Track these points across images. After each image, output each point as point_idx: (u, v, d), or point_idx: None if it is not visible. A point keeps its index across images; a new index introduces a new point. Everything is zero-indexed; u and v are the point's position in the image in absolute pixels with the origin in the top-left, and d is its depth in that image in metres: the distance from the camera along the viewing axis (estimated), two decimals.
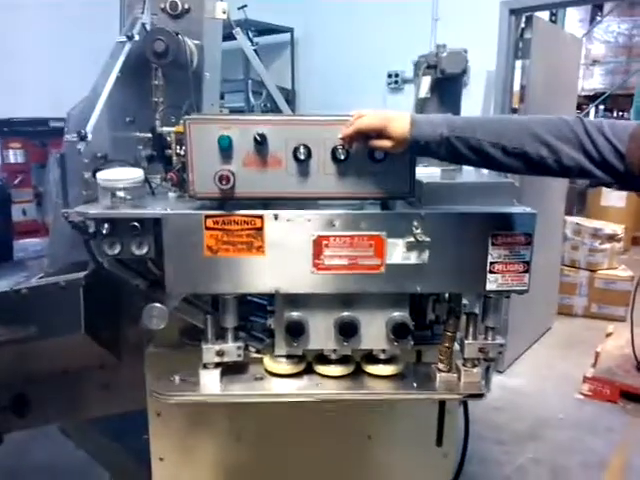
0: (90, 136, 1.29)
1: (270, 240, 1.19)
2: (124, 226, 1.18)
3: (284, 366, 1.32)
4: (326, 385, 1.29)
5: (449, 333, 1.31)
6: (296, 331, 1.24)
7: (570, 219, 4.85)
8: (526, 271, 1.22)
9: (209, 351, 1.27)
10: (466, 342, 1.30)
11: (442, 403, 1.49)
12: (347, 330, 1.24)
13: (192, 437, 1.70)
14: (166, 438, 1.70)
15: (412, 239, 1.17)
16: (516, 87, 3.19)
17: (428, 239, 1.17)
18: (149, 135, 1.51)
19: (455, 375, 1.32)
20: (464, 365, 1.32)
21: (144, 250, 1.20)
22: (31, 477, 2.43)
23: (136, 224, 1.17)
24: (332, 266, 1.20)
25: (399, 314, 1.26)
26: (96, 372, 1.87)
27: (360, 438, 1.74)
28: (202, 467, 1.73)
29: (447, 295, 1.45)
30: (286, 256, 1.20)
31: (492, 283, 1.21)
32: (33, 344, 1.64)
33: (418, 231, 1.17)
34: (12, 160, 3.44)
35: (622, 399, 3.15)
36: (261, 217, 1.18)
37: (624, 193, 6.35)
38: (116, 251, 1.20)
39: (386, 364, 1.33)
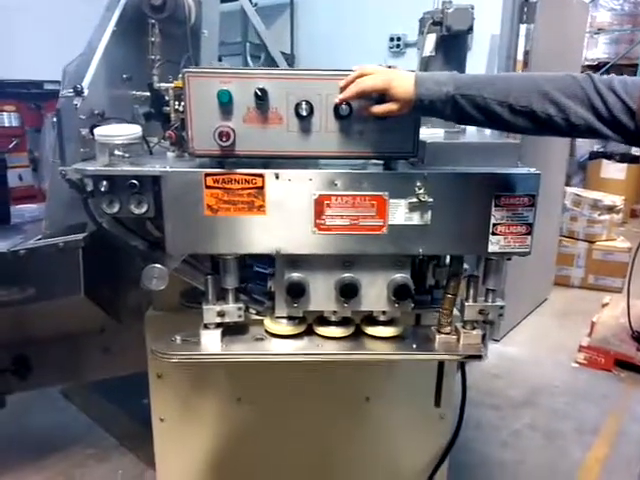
0: (86, 91, 1.26)
1: (271, 200, 1.17)
2: (123, 184, 1.16)
3: (285, 327, 1.32)
4: (326, 346, 1.29)
5: (449, 295, 1.31)
6: (297, 292, 1.23)
7: (570, 190, 4.82)
8: (528, 233, 1.21)
9: (210, 311, 1.27)
10: (466, 304, 1.30)
11: (441, 364, 1.50)
12: (348, 291, 1.23)
13: (192, 398, 1.71)
14: (167, 399, 1.72)
15: (415, 200, 1.16)
16: (520, 54, 3.12)
17: (431, 200, 1.15)
18: (146, 94, 1.48)
19: (454, 337, 1.33)
20: (463, 327, 1.33)
21: (143, 209, 1.19)
22: (34, 441, 2.46)
23: (135, 182, 1.15)
24: (333, 227, 1.19)
25: (400, 276, 1.25)
26: (97, 335, 1.87)
27: (358, 400, 1.76)
28: (203, 427, 1.75)
29: (447, 259, 1.46)
30: (287, 216, 1.18)
31: (494, 245, 1.20)
32: (32, 306, 1.64)
33: (421, 191, 1.15)
34: (6, 123, 3.37)
35: (617, 367, 3.19)
36: (262, 176, 1.16)
37: (624, 165, 6.32)
38: (115, 210, 1.19)
39: (386, 326, 1.33)
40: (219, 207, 1.17)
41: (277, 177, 1.16)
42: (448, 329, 1.32)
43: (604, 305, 3.83)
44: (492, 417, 2.70)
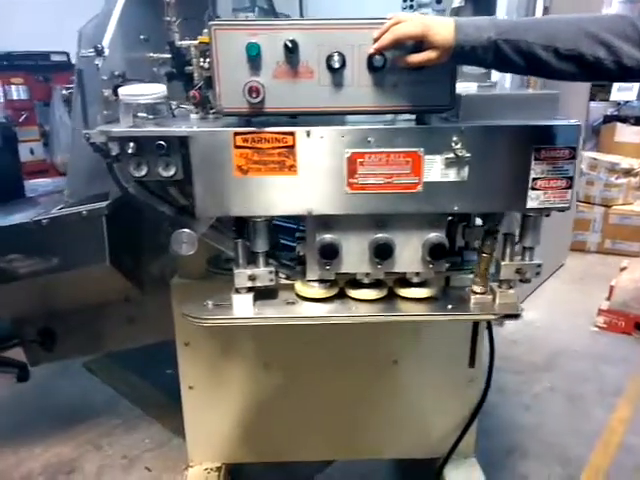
0: (107, 51, 1.22)
1: (302, 159, 1.13)
2: (149, 146, 1.13)
3: (316, 290, 1.29)
4: (360, 308, 1.27)
5: (485, 255, 1.28)
6: (329, 254, 1.21)
7: (586, 154, 4.73)
8: (569, 187, 1.17)
9: (241, 275, 1.25)
10: (502, 263, 1.27)
11: (475, 325, 1.48)
12: (382, 252, 1.21)
13: (221, 365, 1.72)
14: (195, 367, 1.72)
15: (451, 155, 1.12)
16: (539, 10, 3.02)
17: (468, 155, 1.11)
18: (165, 56, 1.44)
19: (490, 297, 1.30)
20: (499, 287, 1.30)
21: (171, 171, 1.16)
22: (60, 413, 2.49)
23: (162, 143, 1.12)
24: (367, 185, 1.15)
25: (435, 235, 1.22)
26: (121, 305, 1.87)
27: (386, 363, 1.75)
28: (231, 394, 1.76)
29: (477, 220, 1.42)
30: (319, 176, 1.15)
31: (533, 200, 1.16)
32: (57, 277, 1.63)
33: (458, 146, 1.11)
34: (15, 96, 3.32)
35: (636, 330, 3.17)
36: (293, 134, 1.12)
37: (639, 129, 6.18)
38: (142, 173, 1.16)
39: (419, 287, 1.30)
40: (249, 168, 1.14)
41: (308, 135, 1.12)
42: (483, 289, 1.30)
43: (622, 269, 3.79)
44: (513, 382, 2.70)
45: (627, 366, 2.86)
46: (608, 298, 3.40)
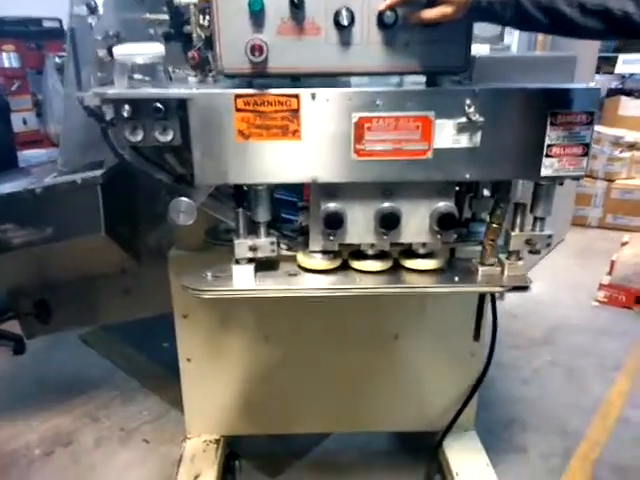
0: (101, 9, 1.15)
1: (307, 123, 1.08)
2: (146, 109, 1.07)
3: (319, 261, 1.26)
4: (365, 280, 1.24)
5: (495, 225, 1.24)
6: (334, 223, 1.16)
7: None
8: (585, 154, 1.12)
9: (241, 246, 1.21)
10: (512, 234, 1.23)
11: (481, 298, 1.45)
12: (388, 222, 1.16)
13: (219, 337, 1.69)
14: (193, 339, 1.69)
15: (464, 120, 1.07)
16: None
17: (482, 119, 1.06)
18: (161, 17, 1.36)
19: (498, 269, 1.27)
20: (507, 258, 1.26)
21: (169, 136, 1.10)
22: (57, 385, 2.47)
23: (160, 106, 1.06)
24: (374, 152, 1.10)
25: (445, 204, 1.18)
26: (117, 277, 1.83)
27: (387, 337, 1.73)
28: (230, 367, 1.73)
29: (485, 191, 1.38)
30: (324, 142, 1.10)
31: (548, 168, 1.12)
32: (51, 247, 1.59)
33: (471, 110, 1.06)
34: (6, 64, 3.21)
35: (637, 305, 3.16)
36: (297, 97, 1.06)
37: None
38: (139, 138, 1.10)
39: (426, 258, 1.27)
40: (251, 132, 1.08)
41: (313, 97, 1.06)
42: (492, 260, 1.26)
43: (623, 244, 3.77)
44: (513, 355, 2.70)
45: (627, 340, 2.86)
46: (609, 273, 3.38)
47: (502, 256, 1.27)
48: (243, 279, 1.22)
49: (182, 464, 1.74)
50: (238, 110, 1.06)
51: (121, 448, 2.12)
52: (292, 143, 1.09)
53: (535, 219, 1.22)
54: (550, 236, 1.23)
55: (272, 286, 1.22)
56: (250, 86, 1.09)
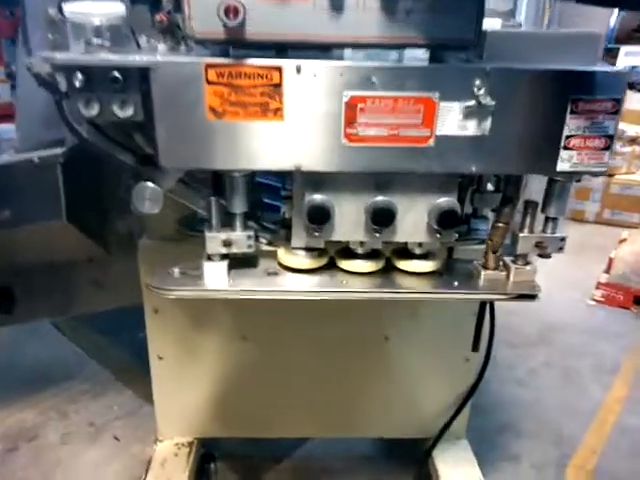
0: None
1: (290, 101, 0.93)
2: (102, 78, 0.91)
3: (302, 260, 1.11)
4: (353, 283, 1.10)
5: (502, 224, 1.10)
6: (320, 218, 1.02)
7: None
8: (607, 148, 0.98)
9: (214, 240, 1.06)
10: (521, 235, 1.09)
11: (482, 305, 1.31)
12: (382, 218, 1.02)
13: (193, 335, 1.55)
14: (165, 336, 1.55)
15: (472, 103, 0.92)
16: None
17: (493, 103, 0.91)
18: None
19: (503, 273, 1.13)
20: (514, 262, 1.13)
21: (129, 111, 0.94)
22: (25, 376, 2.33)
23: (117, 75, 0.90)
24: (368, 137, 0.95)
25: (446, 200, 1.03)
26: (84, 266, 1.68)
27: (377, 340, 1.60)
28: (204, 366, 1.60)
29: (488, 185, 1.24)
30: (311, 123, 0.94)
31: (565, 162, 0.98)
32: (10, 232, 1.43)
33: (481, 92, 0.91)
34: None
35: (635, 305, 3.06)
36: (279, 69, 0.91)
37: None
38: (94, 112, 0.94)
39: (422, 259, 1.13)
40: (225, 110, 0.93)
41: (299, 71, 0.91)
42: (495, 264, 1.12)
43: (621, 241, 3.66)
44: (508, 355, 2.59)
45: (624, 341, 2.76)
46: (607, 271, 3.27)
47: (507, 259, 1.13)
48: (215, 277, 1.08)
49: (151, 470, 1.62)
50: (210, 83, 0.91)
51: (89, 445, 2.00)
52: (273, 124, 0.94)
53: (547, 219, 1.08)
54: (563, 239, 1.10)
55: (248, 286, 1.07)
56: (227, 54, 0.93)
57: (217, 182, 1.06)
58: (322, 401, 1.69)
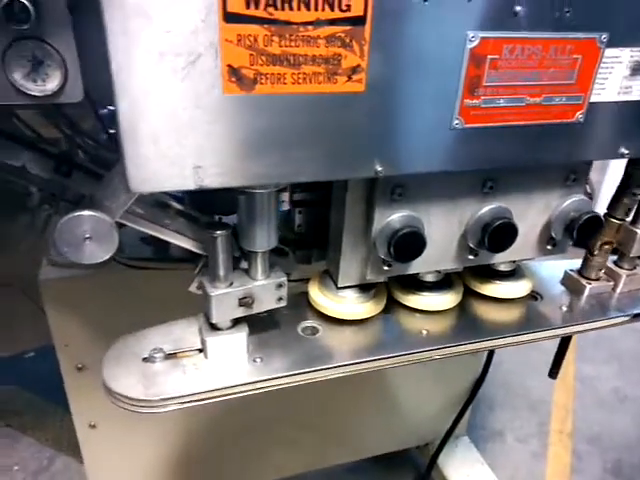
0: None
1: (379, 55, 0.49)
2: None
3: (360, 305, 0.71)
4: (432, 328, 0.72)
5: (615, 220, 0.79)
6: (414, 251, 0.62)
7: None
8: None
9: (226, 299, 0.61)
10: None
11: None
12: (504, 237, 0.65)
13: None
14: (95, 398, 1.05)
15: None
16: None
17: None
18: None
19: (609, 283, 0.83)
20: (620, 267, 0.83)
21: (54, 83, 0.44)
22: None
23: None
24: (495, 112, 0.56)
25: (578, 199, 0.69)
26: None
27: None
28: (155, 427, 1.15)
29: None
30: (404, 94, 0.52)
31: None
32: None
33: None
34: None
35: None
36: None
37: None
38: None
39: (510, 279, 0.78)
40: (257, 72, 0.47)
41: None
42: (597, 272, 0.82)
43: None
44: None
45: None
46: None
47: (611, 264, 0.84)
48: (232, 363, 0.63)
49: None
50: (230, 18, 0.44)
51: None
52: (344, 98, 0.50)
53: None
54: None
55: (288, 369, 0.64)
56: None
57: (219, 202, 0.60)
58: (308, 434, 1.35)
